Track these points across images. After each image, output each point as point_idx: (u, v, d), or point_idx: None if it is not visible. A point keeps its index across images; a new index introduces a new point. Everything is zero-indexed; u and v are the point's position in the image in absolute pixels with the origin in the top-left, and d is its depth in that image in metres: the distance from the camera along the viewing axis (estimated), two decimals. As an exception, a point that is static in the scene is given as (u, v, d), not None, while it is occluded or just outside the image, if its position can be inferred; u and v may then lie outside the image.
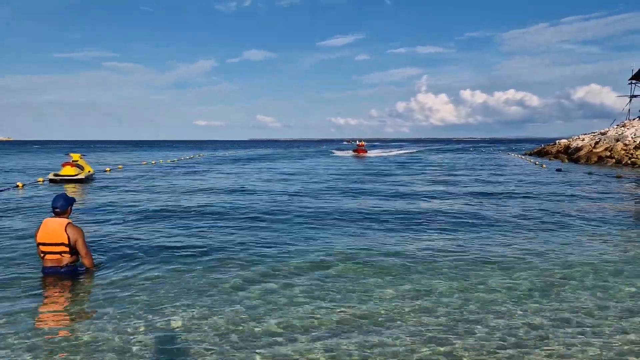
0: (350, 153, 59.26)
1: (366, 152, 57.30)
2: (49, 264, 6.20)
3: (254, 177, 23.82)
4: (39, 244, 6.16)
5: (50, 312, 5.23)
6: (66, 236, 6.10)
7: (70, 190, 17.57)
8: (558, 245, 8.31)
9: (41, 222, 6.28)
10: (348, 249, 7.99)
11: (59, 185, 18.86)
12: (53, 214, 6.37)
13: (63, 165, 20.48)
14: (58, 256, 6.18)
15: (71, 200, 6.43)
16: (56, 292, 5.77)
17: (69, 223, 6.20)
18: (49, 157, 51.61)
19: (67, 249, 6.15)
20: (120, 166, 31.34)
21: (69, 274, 6.20)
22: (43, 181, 20.06)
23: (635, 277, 6.40)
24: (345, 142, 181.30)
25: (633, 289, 5.91)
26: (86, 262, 6.37)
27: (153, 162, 37.89)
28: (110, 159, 46.05)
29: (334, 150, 71.03)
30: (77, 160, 21.41)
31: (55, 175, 20.09)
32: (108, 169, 28.95)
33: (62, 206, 6.30)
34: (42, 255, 6.21)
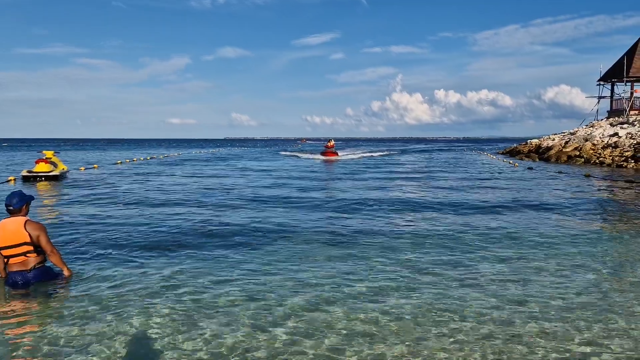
0: (303, 155, 49.30)
1: (337, 154, 45.65)
2: (14, 269, 5.72)
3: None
4: (0, 248, 5.67)
5: (16, 317, 5.08)
6: (27, 234, 5.63)
7: (43, 187, 17.32)
8: (529, 243, 8.60)
9: None
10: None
11: (32, 183, 18.56)
12: (8, 214, 5.82)
13: (36, 162, 20.17)
14: (23, 258, 5.71)
15: (28, 198, 5.89)
16: (23, 301, 5.43)
17: (27, 220, 5.74)
18: (18, 154, 50.37)
19: (31, 248, 5.69)
20: (95, 165, 30.90)
21: (38, 278, 5.75)
22: (15, 179, 19.68)
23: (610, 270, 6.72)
24: (299, 142, 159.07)
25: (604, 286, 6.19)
26: (53, 259, 5.89)
27: (127, 161, 37.44)
28: (81, 157, 45.27)
29: (282, 152, 59.77)
30: (50, 158, 21.11)
31: (29, 172, 19.76)
32: (82, 167, 28.56)
33: (17, 204, 5.75)
34: (5, 260, 5.73)
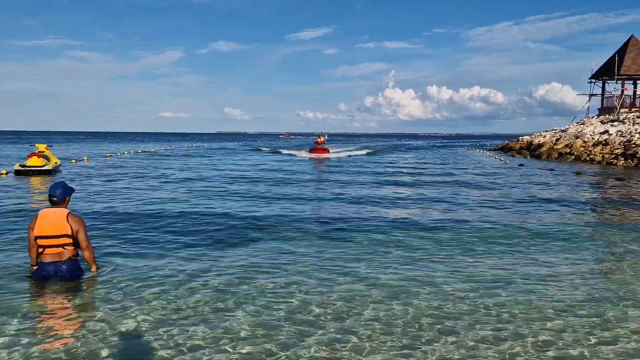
0: (287, 151, 44.77)
1: (327, 151, 39.83)
2: (48, 259, 5.69)
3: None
4: (37, 237, 5.62)
5: (43, 308, 5.20)
6: (69, 226, 5.63)
7: (36, 181, 17.25)
8: (519, 242, 8.75)
9: (36, 214, 5.72)
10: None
11: (24, 177, 18.49)
12: (49, 204, 5.80)
13: (29, 156, 20.05)
14: (60, 249, 5.70)
15: (70, 190, 5.92)
16: (53, 293, 5.49)
17: (69, 213, 5.75)
18: (9, 147, 49.96)
19: (70, 241, 5.69)
20: (85, 158, 30.78)
21: (70, 271, 5.75)
22: (7, 173, 19.57)
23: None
24: (282, 137, 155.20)
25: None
26: (86, 254, 5.90)
27: (118, 154, 37.36)
28: (73, 150, 45.03)
29: (263, 147, 53.21)
30: (43, 151, 21.00)
31: (22, 166, 19.63)
32: (73, 160, 28.46)
33: (61, 195, 5.76)
34: (40, 250, 5.69)
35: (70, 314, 4.96)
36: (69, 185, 6.00)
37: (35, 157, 19.79)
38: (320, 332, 4.53)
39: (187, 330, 4.53)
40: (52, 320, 4.80)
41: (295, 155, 38.74)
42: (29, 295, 5.48)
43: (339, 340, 4.35)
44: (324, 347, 4.21)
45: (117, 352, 4.13)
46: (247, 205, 12.16)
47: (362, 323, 4.71)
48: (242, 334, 4.48)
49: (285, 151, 45.23)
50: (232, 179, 19.40)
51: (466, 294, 5.54)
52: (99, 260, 6.56)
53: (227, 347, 4.23)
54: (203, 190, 15.28)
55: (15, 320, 4.73)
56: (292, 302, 5.26)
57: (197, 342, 4.30)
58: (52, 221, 5.62)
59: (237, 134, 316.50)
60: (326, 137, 46.44)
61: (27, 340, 4.30)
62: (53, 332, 4.53)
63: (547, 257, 7.25)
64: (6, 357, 4.00)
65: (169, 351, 4.15)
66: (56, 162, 21.40)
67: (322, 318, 4.84)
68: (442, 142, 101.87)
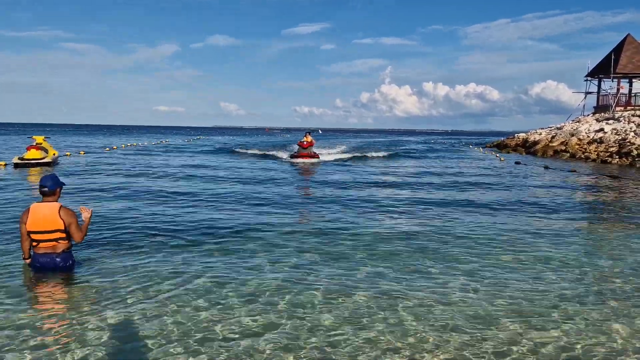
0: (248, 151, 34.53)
1: (315, 156, 27.86)
2: (41, 251, 5.76)
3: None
4: (30, 232, 5.66)
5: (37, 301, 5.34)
6: (61, 221, 5.65)
7: (36, 174, 17.28)
8: (513, 234, 8.91)
9: (28, 208, 5.73)
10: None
11: (24, 169, 18.50)
12: (41, 195, 5.79)
13: (28, 149, 20.07)
14: (54, 243, 5.76)
15: (61, 183, 5.91)
16: (48, 284, 5.58)
17: (61, 206, 5.74)
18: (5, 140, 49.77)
19: (63, 235, 5.73)
20: (82, 152, 30.75)
21: (65, 261, 5.82)
22: (5, 164, 19.58)
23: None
24: (266, 130, 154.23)
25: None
26: (80, 237, 5.84)
27: (114, 147, 37.35)
28: (67, 143, 44.90)
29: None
30: (40, 143, 21.02)
31: (20, 159, 19.66)
32: (68, 152, 28.45)
33: (52, 186, 5.74)
34: (33, 243, 5.75)
35: (64, 306, 5.04)
36: (59, 179, 5.97)
37: (33, 150, 19.84)
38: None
39: (182, 323, 4.67)
40: (48, 312, 4.87)
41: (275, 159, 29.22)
42: (24, 286, 5.57)
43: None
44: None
45: (114, 344, 4.25)
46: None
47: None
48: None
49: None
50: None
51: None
52: (92, 255, 6.71)
53: (226, 336, 4.38)
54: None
55: (10, 311, 4.79)
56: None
57: (192, 335, 4.45)
58: (45, 216, 5.63)
59: (233, 128, 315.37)
60: (320, 132, 36.16)
61: (23, 332, 4.39)
62: (48, 323, 4.61)
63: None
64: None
65: (164, 343, 4.26)
66: (54, 154, 21.45)
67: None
68: (439, 138, 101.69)
